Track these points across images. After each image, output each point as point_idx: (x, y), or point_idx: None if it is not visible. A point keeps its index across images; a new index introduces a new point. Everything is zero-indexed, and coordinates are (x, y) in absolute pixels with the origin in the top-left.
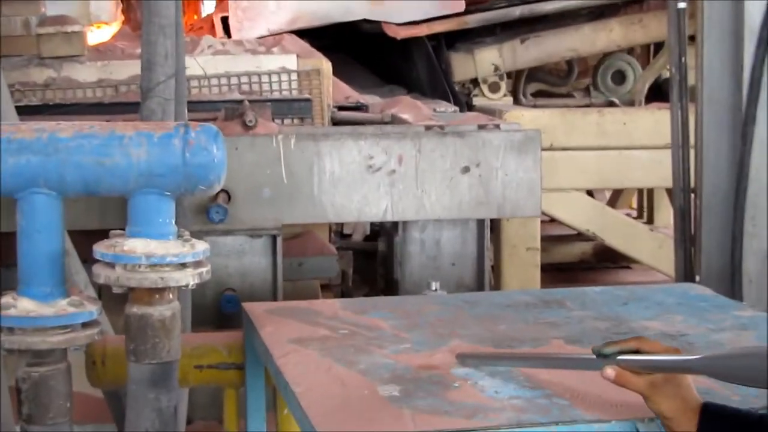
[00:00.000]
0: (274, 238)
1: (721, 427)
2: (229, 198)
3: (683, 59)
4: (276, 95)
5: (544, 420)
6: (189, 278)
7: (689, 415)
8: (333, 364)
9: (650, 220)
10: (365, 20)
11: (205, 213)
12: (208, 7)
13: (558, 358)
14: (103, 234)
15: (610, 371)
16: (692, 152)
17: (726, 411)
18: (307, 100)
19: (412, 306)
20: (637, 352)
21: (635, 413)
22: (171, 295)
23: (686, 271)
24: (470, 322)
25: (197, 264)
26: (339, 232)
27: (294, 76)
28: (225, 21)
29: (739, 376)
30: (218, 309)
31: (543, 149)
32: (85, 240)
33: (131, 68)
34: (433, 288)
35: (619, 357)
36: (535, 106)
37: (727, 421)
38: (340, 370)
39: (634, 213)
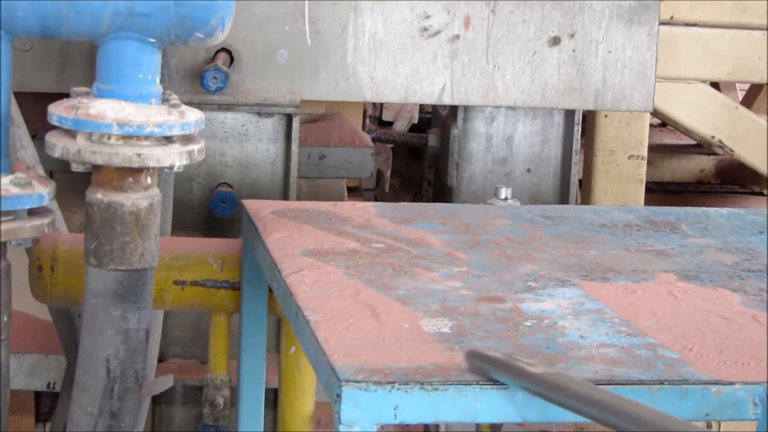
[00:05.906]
0: (289, 118)
1: None
2: (232, 60)
3: None
4: None
5: (644, 377)
6: (175, 158)
7: None
8: (363, 287)
9: None
10: None
11: (197, 79)
12: None
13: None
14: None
15: None
16: None
17: None
18: None
19: (473, 218)
20: None
21: None
22: (149, 180)
23: None
24: (551, 244)
25: (187, 139)
26: (377, 118)
27: None
28: None
29: None
30: (208, 210)
31: (661, 23)
32: (33, 107)
33: None
34: (503, 196)
35: None
36: None
37: None
38: (372, 296)
39: None
